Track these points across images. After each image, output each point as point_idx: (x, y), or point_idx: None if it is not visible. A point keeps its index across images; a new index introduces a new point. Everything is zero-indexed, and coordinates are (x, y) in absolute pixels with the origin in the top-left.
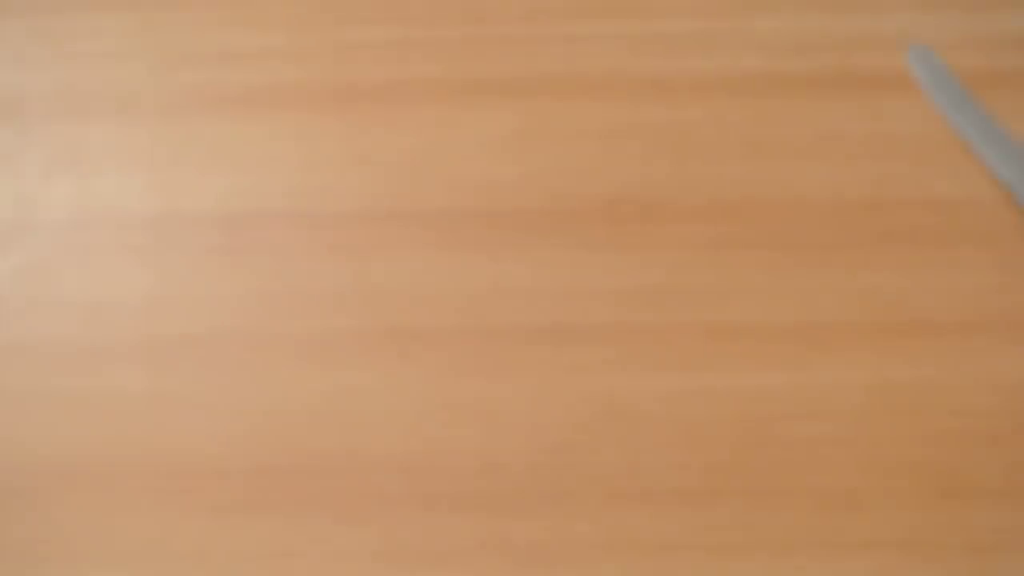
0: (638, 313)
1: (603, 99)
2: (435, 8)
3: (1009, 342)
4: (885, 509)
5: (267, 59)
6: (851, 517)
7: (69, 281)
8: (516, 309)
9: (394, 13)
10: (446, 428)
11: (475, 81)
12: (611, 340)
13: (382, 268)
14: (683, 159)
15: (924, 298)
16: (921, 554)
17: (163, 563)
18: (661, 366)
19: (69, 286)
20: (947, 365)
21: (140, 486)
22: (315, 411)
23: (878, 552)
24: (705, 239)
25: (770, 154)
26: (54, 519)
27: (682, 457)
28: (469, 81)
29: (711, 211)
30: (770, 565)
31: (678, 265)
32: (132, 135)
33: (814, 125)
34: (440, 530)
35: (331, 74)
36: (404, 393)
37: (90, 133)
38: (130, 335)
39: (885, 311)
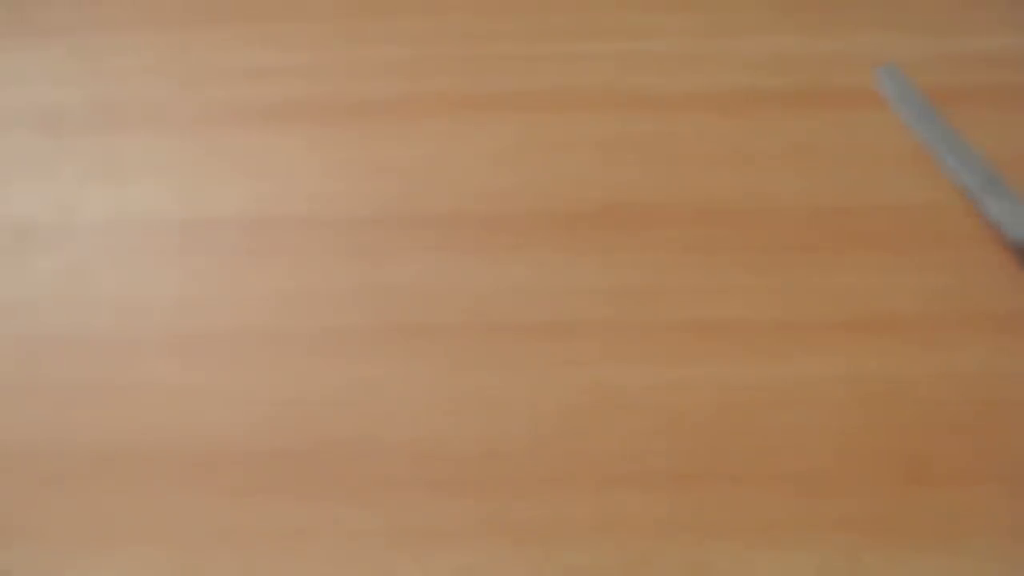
0: (629, 310)
1: (597, 113)
2: (442, 29)
3: (971, 337)
4: (858, 492)
5: (288, 76)
6: (826, 499)
7: (105, 281)
8: (516, 307)
9: (404, 34)
10: (451, 417)
11: (479, 96)
12: (604, 335)
13: (392, 269)
14: (671, 168)
15: (892, 296)
16: (891, 533)
17: (189, 541)
18: (651, 360)
19: (105, 285)
20: (914, 358)
21: (169, 470)
22: (330, 401)
23: (851, 532)
24: (691, 242)
25: (751, 164)
26: (86, 502)
27: (670, 444)
28: (473, 96)
29: (696, 216)
30: (751, 542)
31: (666, 266)
32: (163, 146)
33: (791, 137)
34: (444, 511)
35: (346, 90)
36: (412, 385)
37: (124, 144)
38: (161, 331)
39: (857, 308)
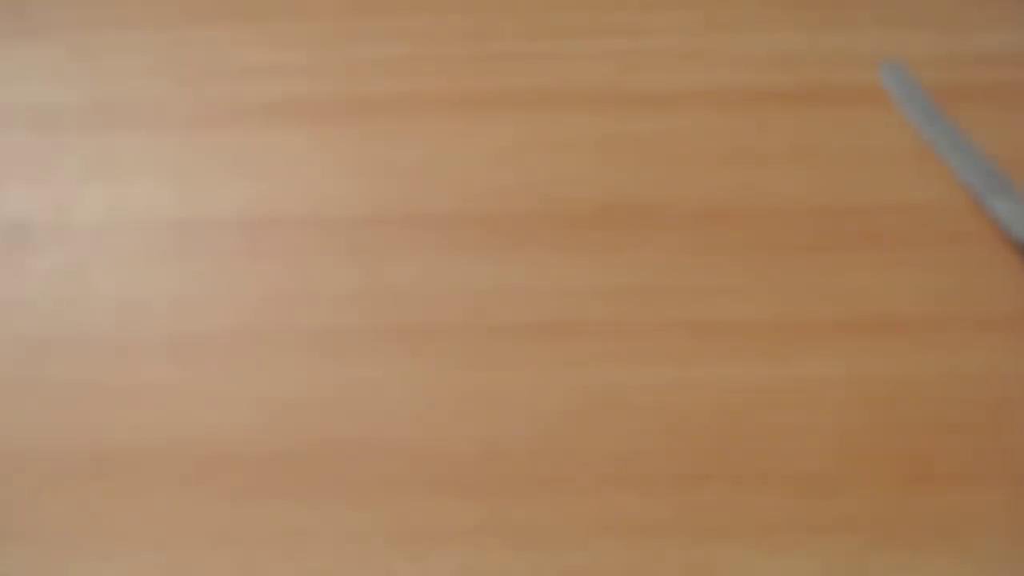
0: (629, 311)
1: (596, 111)
2: (441, 27)
3: (975, 337)
4: (860, 494)
5: (286, 74)
6: (828, 501)
7: (102, 281)
8: (515, 307)
9: (403, 31)
10: (450, 417)
11: (478, 94)
12: (604, 336)
13: (391, 269)
14: (671, 167)
15: (896, 296)
16: (893, 535)
17: (187, 544)
18: (651, 360)
19: (102, 286)
20: (917, 358)
21: (166, 472)
22: (329, 402)
23: (854, 534)
24: (691, 241)
25: (752, 162)
26: (83, 503)
27: (670, 444)
28: (472, 95)
29: (697, 215)
30: (752, 544)
31: (666, 266)
32: (160, 145)
33: (793, 135)
34: (443, 512)
35: (345, 88)
36: (411, 385)
37: (121, 143)
38: (158, 331)
39: (860, 308)
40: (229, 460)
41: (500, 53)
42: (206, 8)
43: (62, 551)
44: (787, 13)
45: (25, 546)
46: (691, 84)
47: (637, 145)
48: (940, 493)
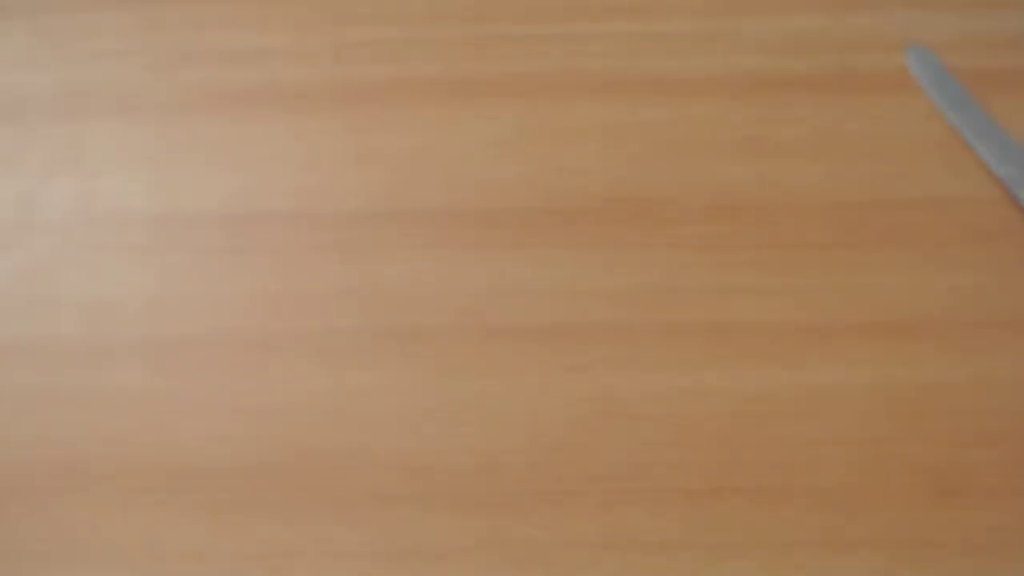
0: (637, 312)
1: (602, 99)
2: (434, 8)
3: (1008, 341)
4: (883, 508)
5: (268, 59)
6: (850, 516)
7: (70, 280)
8: (515, 308)
9: (393, 13)
10: (445, 427)
11: (474, 81)
12: (610, 339)
13: (382, 267)
14: (682, 158)
15: (923, 297)
16: (919, 553)
17: (163, 563)
18: (660, 365)
19: (70, 285)
20: (945, 364)
21: (140, 485)
22: (315, 410)
23: (876, 551)
24: (703, 238)
25: (769, 153)
26: (54, 518)
27: (681, 456)
28: (468, 81)
29: (709, 210)
30: (769, 564)
31: (676, 264)
32: (133, 135)
33: (813, 125)
34: (439, 529)
35: (331, 74)
36: (404, 392)
37: (91, 132)
38: (131, 334)
39: (884, 310)
40: (207, 473)
41: (499, 36)
42: None
43: (26, 569)
44: None
45: None
46: (703, 70)
47: (645, 135)
48: (969, 508)
